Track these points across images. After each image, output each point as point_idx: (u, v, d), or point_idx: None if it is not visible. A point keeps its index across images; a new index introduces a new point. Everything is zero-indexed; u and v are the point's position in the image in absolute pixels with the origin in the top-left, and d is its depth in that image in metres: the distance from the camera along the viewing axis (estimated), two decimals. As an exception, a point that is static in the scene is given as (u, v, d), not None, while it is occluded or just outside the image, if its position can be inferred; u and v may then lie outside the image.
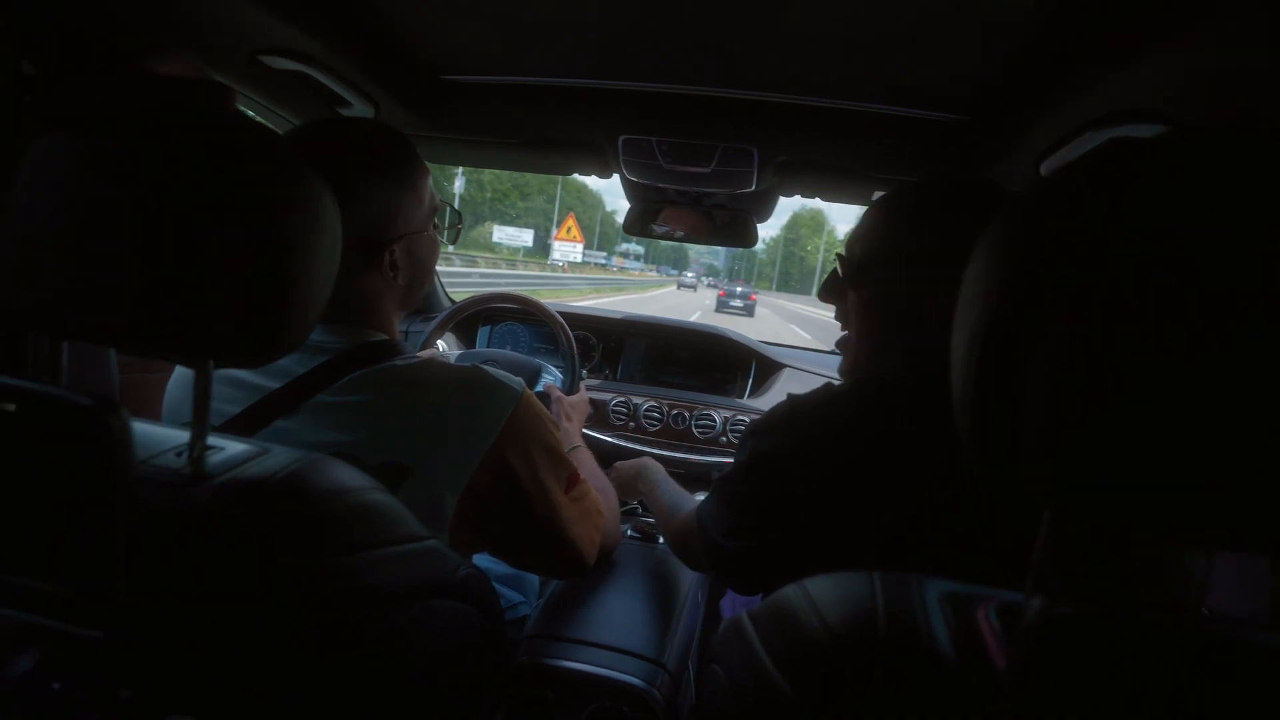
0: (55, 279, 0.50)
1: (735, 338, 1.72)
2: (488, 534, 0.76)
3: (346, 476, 0.57)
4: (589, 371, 1.73)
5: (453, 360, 1.00)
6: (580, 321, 1.73)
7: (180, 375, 0.76)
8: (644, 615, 0.90)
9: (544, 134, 1.12)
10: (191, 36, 0.77)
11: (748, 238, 1.29)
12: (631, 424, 1.58)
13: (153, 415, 0.75)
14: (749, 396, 1.66)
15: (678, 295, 33.67)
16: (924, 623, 0.39)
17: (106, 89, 0.47)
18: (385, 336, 0.76)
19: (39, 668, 0.60)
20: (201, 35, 0.78)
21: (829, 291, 0.77)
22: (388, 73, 0.97)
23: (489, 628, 0.76)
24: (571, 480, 0.80)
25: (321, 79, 0.92)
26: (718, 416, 1.56)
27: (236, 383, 0.71)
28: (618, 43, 0.85)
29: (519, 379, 0.75)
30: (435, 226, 0.80)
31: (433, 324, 1.45)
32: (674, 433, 1.57)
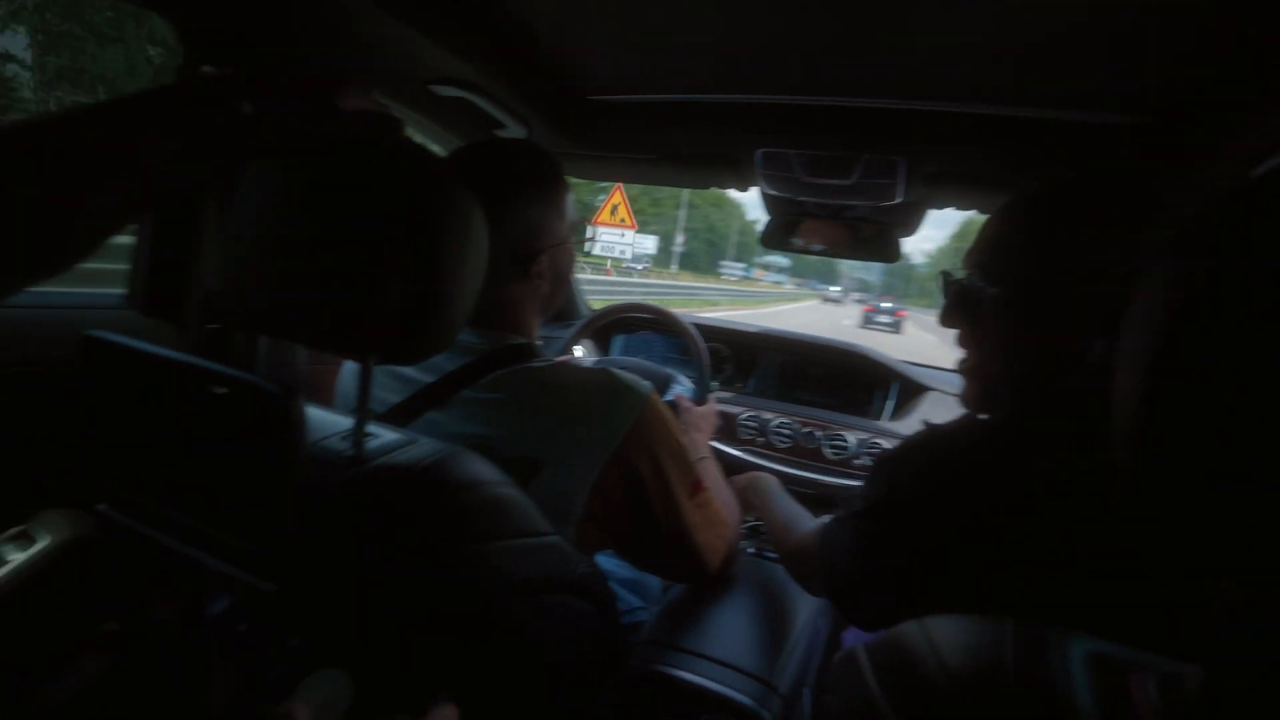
0: (258, 286, 0.59)
1: (876, 356, 1.64)
2: (613, 534, 0.78)
3: (481, 470, 0.62)
4: (720, 384, 1.73)
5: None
6: (714, 333, 1.74)
7: (349, 366, 0.86)
8: (758, 635, 0.88)
9: (683, 149, 1.14)
10: (374, 66, 0.88)
11: (889, 252, 1.23)
12: (760, 439, 1.55)
13: (328, 398, 0.86)
14: (889, 419, 1.57)
15: (814, 311, 31.43)
16: (1062, 683, 0.36)
17: (304, 124, 0.55)
18: (525, 340, 0.82)
19: (231, 610, 0.71)
20: (383, 70, 0.88)
21: (956, 315, 0.69)
22: (539, 96, 1.04)
23: (606, 626, 0.78)
24: (696, 487, 0.81)
25: (481, 104, 1.01)
26: (852, 438, 1.49)
27: (398, 376, 0.79)
28: (755, 57, 0.85)
29: (647, 383, 0.78)
30: (574, 239, 0.85)
31: (571, 330, 1.52)
32: (804, 451, 1.52)
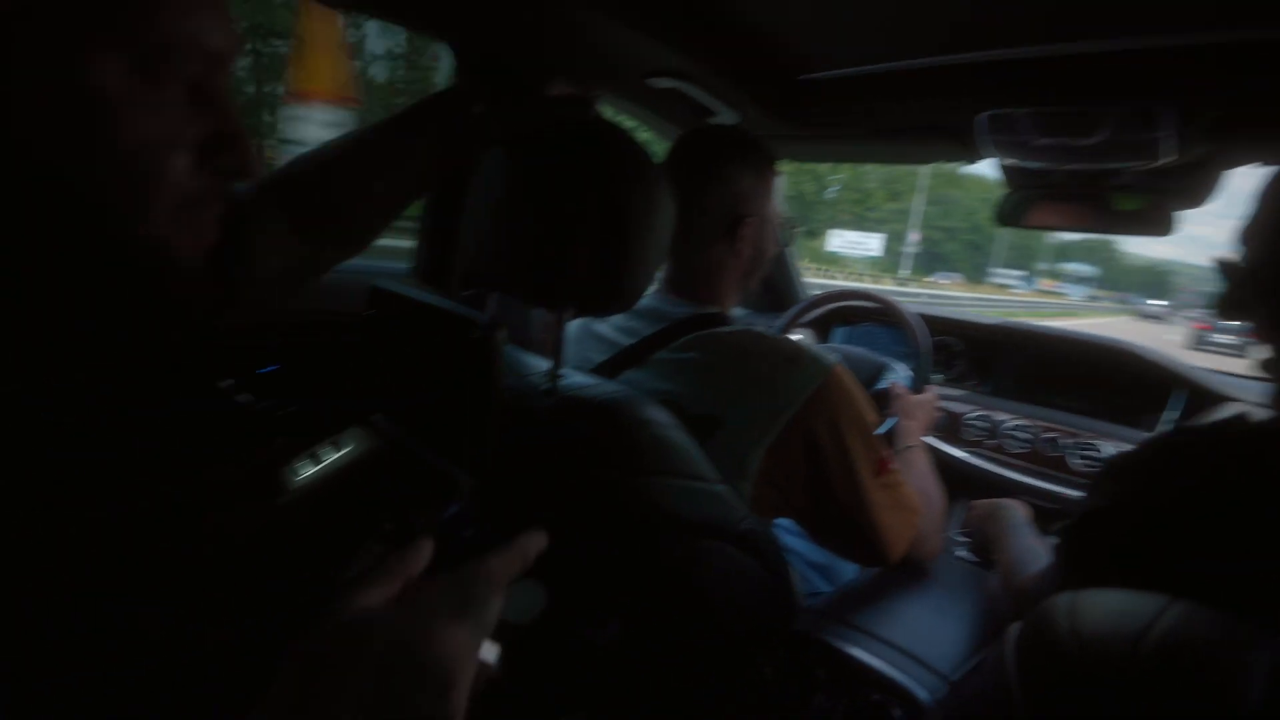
0: (492, 253, 0.73)
1: (1153, 356, 1.36)
2: (791, 502, 0.80)
3: (652, 412, 0.69)
4: (948, 380, 1.59)
5: None
6: (945, 326, 1.60)
7: (571, 330, 1.00)
8: (950, 634, 0.82)
9: (898, 121, 1.09)
10: (597, 65, 1.00)
11: (1160, 225, 1.02)
12: (989, 441, 1.40)
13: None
14: None
15: (1119, 329, 25.08)
16: (1233, 675, 0.31)
17: (522, 113, 0.68)
18: (718, 310, 0.87)
19: (458, 516, 0.88)
20: (604, 64, 1.00)
21: (1242, 304, 0.58)
22: (750, 80, 1.08)
23: (774, 589, 0.79)
24: (882, 466, 0.80)
25: (695, 93, 1.08)
26: (1110, 449, 1.27)
27: (604, 340, 0.90)
28: (972, 8, 0.79)
29: (834, 356, 0.79)
30: (782, 227, 0.93)
31: (784, 318, 1.53)
32: (1043, 459, 1.33)
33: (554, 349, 0.70)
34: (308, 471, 1.02)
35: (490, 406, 0.61)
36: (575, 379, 0.73)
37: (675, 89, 1.06)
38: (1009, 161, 1.07)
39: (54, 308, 0.32)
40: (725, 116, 1.17)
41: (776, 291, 1.72)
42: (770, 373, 0.76)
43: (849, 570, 1.08)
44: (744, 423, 0.75)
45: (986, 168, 1.20)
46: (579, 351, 0.92)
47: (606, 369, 0.87)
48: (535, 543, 0.42)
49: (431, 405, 0.71)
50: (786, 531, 1.06)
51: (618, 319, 0.91)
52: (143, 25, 0.28)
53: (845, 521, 0.79)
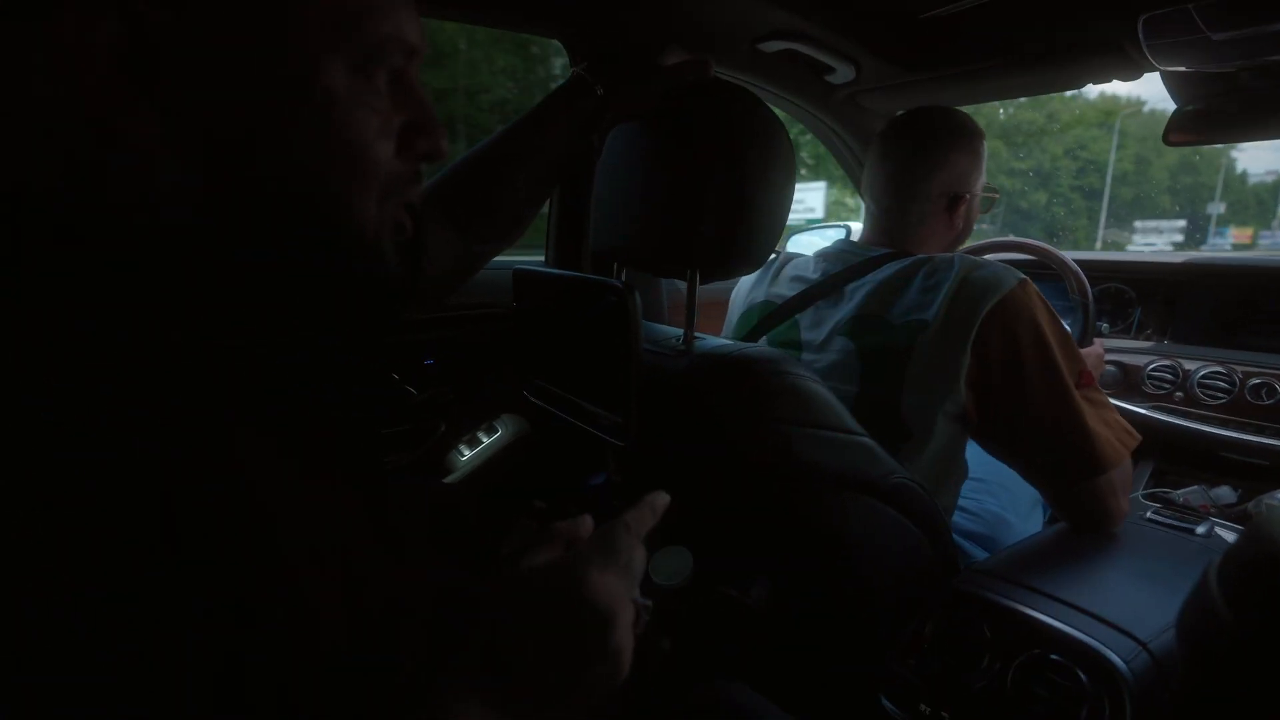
0: (618, 229, 0.76)
1: None
2: (994, 405, 0.79)
3: (787, 363, 0.69)
4: (1117, 330, 1.42)
5: None
6: (1111, 270, 1.44)
7: (735, 300, 1.03)
8: (1143, 595, 0.74)
9: (1041, 46, 0.99)
10: (704, 39, 1.01)
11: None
12: (1178, 394, 1.23)
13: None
14: None
15: None
16: None
17: (640, 90, 0.70)
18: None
19: (604, 485, 0.92)
20: (712, 36, 1.00)
21: None
22: (867, 29, 1.03)
23: (929, 546, 0.76)
24: (1085, 378, 0.78)
25: (809, 51, 1.06)
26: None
27: (796, 279, 0.94)
28: None
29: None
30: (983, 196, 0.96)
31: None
32: (1249, 409, 1.15)
33: (687, 312, 0.72)
34: (469, 454, 1.12)
35: (632, 362, 0.64)
36: (710, 341, 0.74)
37: (787, 49, 1.04)
38: (1177, 68, 0.94)
39: (285, 291, 0.38)
40: (842, 72, 1.13)
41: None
42: (967, 273, 0.79)
43: (1009, 536, 1.00)
44: (946, 321, 0.77)
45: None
46: (744, 321, 0.97)
47: (799, 300, 0.91)
48: (660, 500, 0.46)
49: (578, 370, 0.76)
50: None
51: (800, 267, 0.95)
52: (360, 29, 0.33)
53: (1050, 426, 0.76)
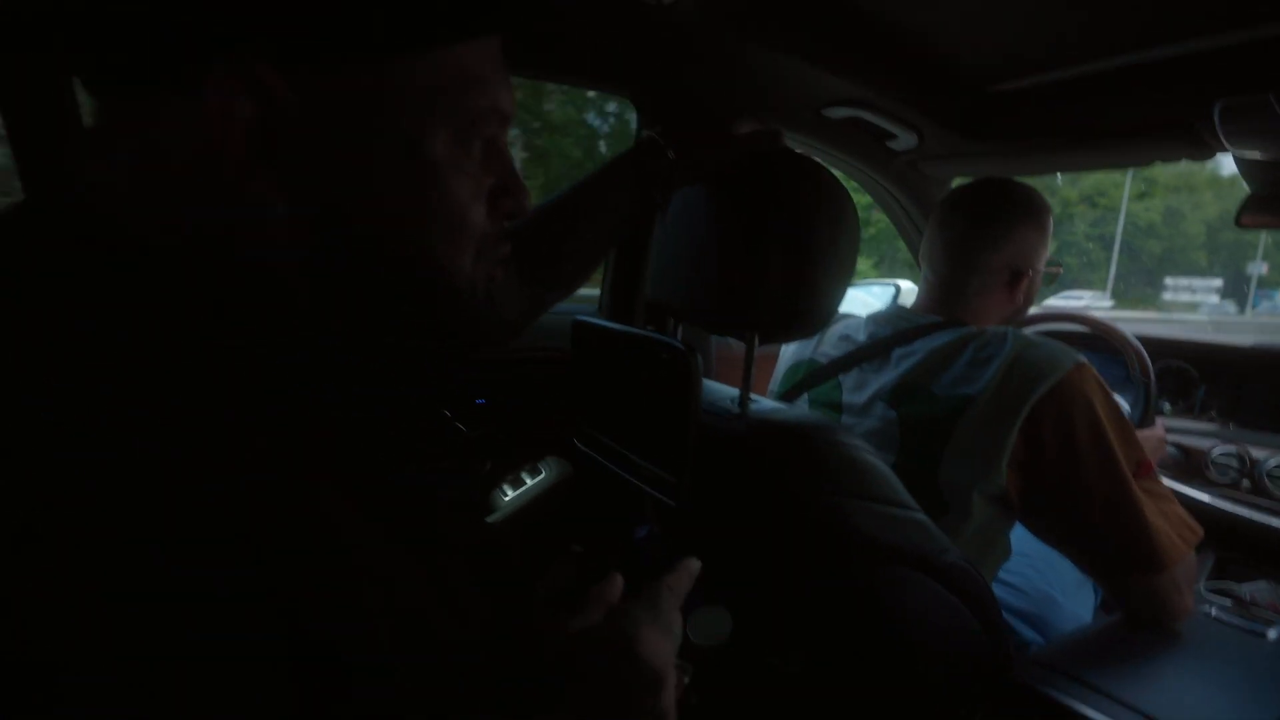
0: (677, 287, 0.78)
1: None
2: (1044, 490, 0.76)
3: (844, 435, 0.68)
4: (1178, 411, 1.37)
5: None
6: (1176, 349, 1.39)
7: (783, 361, 1.03)
8: (1220, 703, 0.70)
9: (1111, 125, 0.99)
10: (770, 102, 1.03)
11: None
12: (1245, 482, 1.18)
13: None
14: None
15: None
16: None
17: (709, 156, 0.72)
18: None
19: (650, 536, 0.91)
20: (778, 100, 1.03)
21: None
22: (932, 100, 1.05)
23: (982, 630, 0.73)
24: (1144, 468, 0.75)
25: (872, 119, 1.07)
26: None
27: (844, 339, 0.94)
28: None
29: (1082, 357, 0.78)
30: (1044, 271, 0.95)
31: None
32: (1324, 505, 1.10)
33: (744, 374, 0.72)
34: (511, 494, 1.13)
35: (689, 424, 0.64)
36: (765, 404, 0.74)
37: (852, 117, 1.06)
38: (1252, 155, 0.93)
39: (385, 339, 0.40)
40: (904, 139, 1.14)
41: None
42: (1020, 351, 0.77)
43: (1064, 622, 0.96)
44: (995, 399, 0.75)
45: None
46: (788, 376, 0.97)
47: (846, 360, 0.90)
48: (694, 565, 0.47)
49: (632, 425, 0.76)
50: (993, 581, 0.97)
51: (850, 327, 0.95)
52: (463, 103, 0.35)
53: (1106, 519, 0.73)
